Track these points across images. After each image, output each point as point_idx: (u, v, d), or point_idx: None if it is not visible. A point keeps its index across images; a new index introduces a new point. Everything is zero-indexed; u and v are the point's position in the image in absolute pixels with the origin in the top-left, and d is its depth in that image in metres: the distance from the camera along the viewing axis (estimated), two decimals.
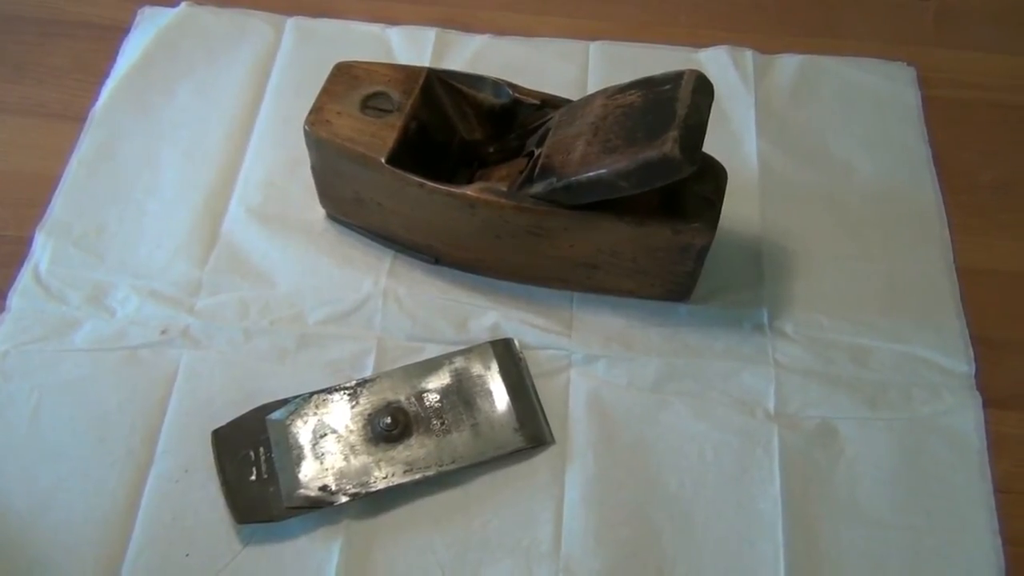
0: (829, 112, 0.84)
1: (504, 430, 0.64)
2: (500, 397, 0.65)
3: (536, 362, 0.68)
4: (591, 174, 0.60)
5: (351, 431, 0.63)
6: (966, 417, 0.66)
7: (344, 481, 0.61)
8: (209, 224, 0.74)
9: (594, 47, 0.88)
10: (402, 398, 0.65)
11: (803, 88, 0.85)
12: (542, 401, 0.66)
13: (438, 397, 0.65)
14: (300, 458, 0.62)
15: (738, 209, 0.74)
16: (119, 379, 0.66)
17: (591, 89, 0.81)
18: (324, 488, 0.60)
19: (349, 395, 0.65)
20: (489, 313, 0.70)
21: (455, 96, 0.71)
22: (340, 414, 0.64)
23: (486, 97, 0.71)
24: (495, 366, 0.67)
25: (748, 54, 0.87)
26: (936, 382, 0.68)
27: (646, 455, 0.64)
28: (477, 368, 0.67)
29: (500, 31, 0.89)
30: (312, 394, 0.65)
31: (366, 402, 0.64)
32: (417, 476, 0.61)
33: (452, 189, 0.64)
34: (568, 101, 0.68)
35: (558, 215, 0.64)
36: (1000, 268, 0.75)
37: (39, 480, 0.62)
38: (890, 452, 0.65)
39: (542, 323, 0.70)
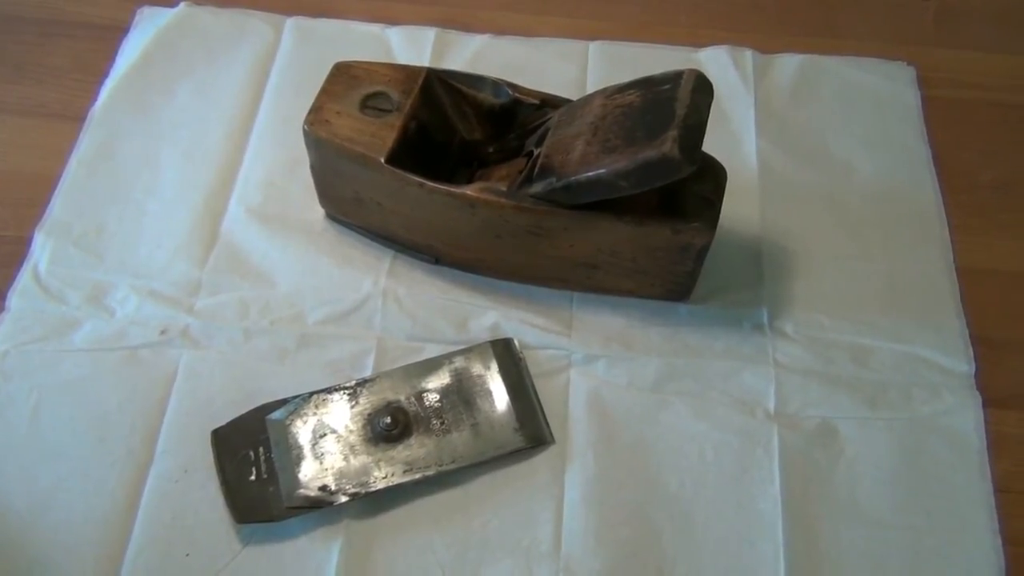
0: (829, 112, 0.84)
1: (504, 430, 0.64)
2: (500, 397, 0.65)
3: (536, 362, 0.68)
4: (591, 174, 0.60)
5: (351, 431, 0.63)
6: (966, 417, 0.66)
7: (344, 481, 0.61)
8: (209, 224, 0.74)
9: (594, 47, 0.88)
10: (402, 398, 0.65)
11: (803, 88, 0.85)
12: (542, 401, 0.66)
13: (438, 397, 0.65)
14: (300, 458, 0.62)
15: (738, 209, 0.74)
16: (119, 379, 0.66)
17: (591, 89, 0.81)
18: (324, 488, 0.60)
19: (349, 395, 0.65)
20: (489, 313, 0.70)
21: (455, 96, 0.71)
22: (340, 414, 0.64)
23: (486, 97, 0.71)
24: (495, 366, 0.67)
25: (748, 54, 0.87)
26: (936, 382, 0.68)
27: (646, 455, 0.64)
28: (477, 368, 0.67)
29: (500, 31, 0.89)
30: (312, 394, 0.65)
31: (366, 402, 0.64)
32: (417, 476, 0.61)
33: (452, 189, 0.64)
34: (568, 101, 0.68)
35: (558, 215, 0.64)
36: (1000, 268, 0.75)
37: (39, 480, 0.62)
38: (890, 452, 0.65)
39: (542, 323, 0.70)
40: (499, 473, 0.63)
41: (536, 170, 0.64)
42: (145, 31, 0.87)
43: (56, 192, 0.76)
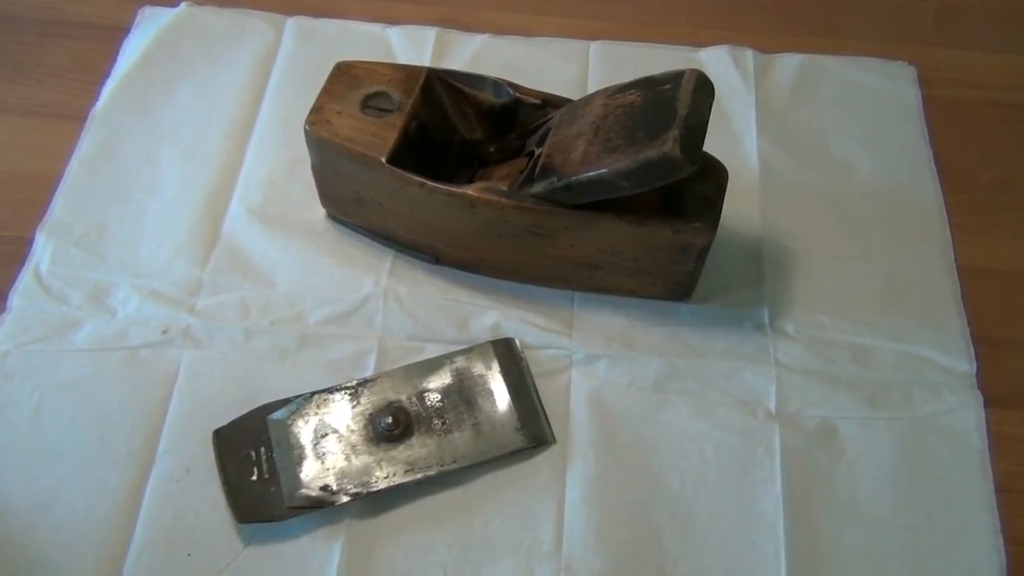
0: (830, 112, 0.84)
1: (505, 430, 0.64)
2: (501, 397, 0.65)
3: (537, 362, 0.68)
4: (592, 174, 0.60)
5: (352, 431, 0.63)
6: (967, 416, 0.66)
7: (345, 481, 0.61)
8: (210, 224, 0.74)
9: (594, 47, 0.88)
10: (403, 398, 0.65)
11: (803, 88, 0.85)
12: (543, 401, 0.66)
13: (439, 397, 0.65)
14: (301, 458, 0.62)
15: (739, 209, 0.74)
16: (120, 379, 0.66)
17: (591, 89, 0.81)
18: (325, 488, 0.60)
19: (350, 395, 0.65)
20: (490, 313, 0.70)
21: (455, 96, 0.71)
22: (341, 414, 0.64)
23: (486, 97, 0.71)
24: (496, 366, 0.67)
25: (748, 54, 0.87)
26: (937, 381, 0.68)
27: (647, 455, 0.64)
28: (478, 368, 0.67)
29: (500, 31, 0.89)
30: (313, 394, 0.65)
31: (367, 402, 0.64)
32: (418, 476, 0.61)
33: (453, 189, 0.64)
34: (568, 101, 0.68)
35: (559, 215, 0.64)
36: (1001, 267, 0.75)
37: (40, 480, 0.62)
38: (891, 452, 0.65)
39: (543, 323, 0.70)
40: (500, 473, 0.63)
41: (537, 170, 0.64)
42: (146, 31, 0.87)
43: (57, 192, 0.76)
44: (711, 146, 0.62)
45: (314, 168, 0.71)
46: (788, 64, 0.87)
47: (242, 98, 0.82)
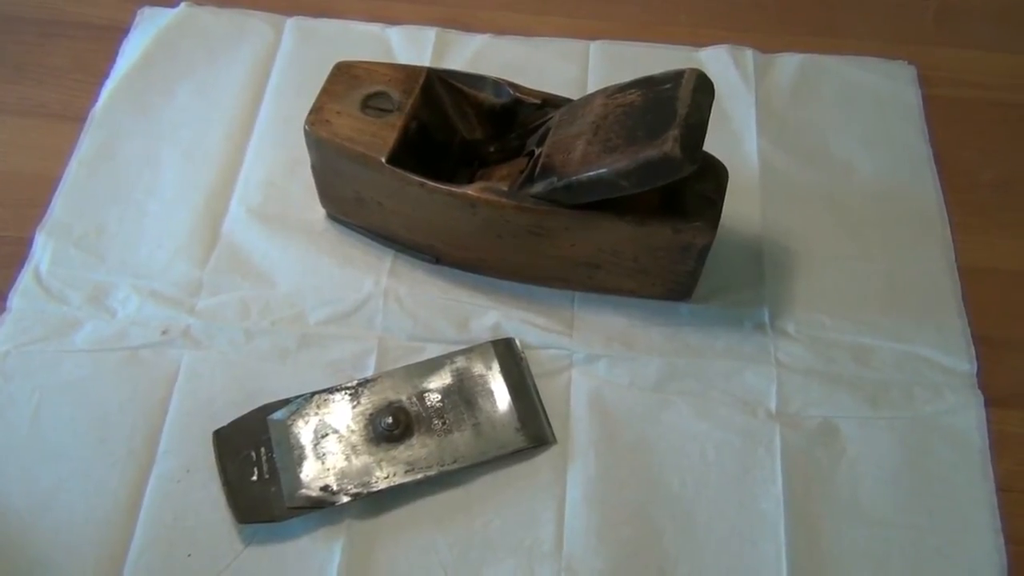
0: (830, 111, 0.84)
1: (505, 430, 0.64)
2: (501, 397, 0.65)
3: (537, 362, 0.68)
4: (592, 173, 0.60)
5: (352, 431, 0.63)
6: (968, 416, 0.66)
7: (346, 481, 0.61)
8: (209, 224, 0.74)
9: (594, 46, 0.88)
10: (403, 398, 0.65)
11: (804, 87, 0.85)
12: (543, 401, 0.66)
13: (439, 397, 0.65)
14: (301, 458, 0.62)
15: (739, 208, 0.74)
16: (120, 379, 0.66)
17: (591, 88, 0.81)
18: (326, 488, 0.60)
19: (350, 395, 0.65)
20: (490, 313, 0.70)
21: (455, 96, 0.71)
22: (341, 414, 0.64)
23: (486, 97, 0.71)
24: (496, 366, 0.67)
25: (748, 53, 0.87)
26: (938, 381, 0.68)
27: (648, 455, 0.64)
28: (478, 368, 0.67)
29: (500, 31, 0.89)
30: (313, 394, 0.65)
31: (367, 402, 0.64)
32: (419, 476, 0.61)
33: (453, 189, 0.64)
34: (568, 100, 0.68)
35: (559, 214, 0.64)
36: (1001, 267, 0.75)
37: (40, 480, 0.62)
38: (892, 451, 0.65)
39: (543, 323, 0.70)
40: (501, 473, 0.63)
41: (537, 170, 0.64)
42: (146, 31, 0.87)
43: (57, 193, 0.76)
44: (711, 146, 0.62)
45: (314, 168, 0.71)
46: (788, 64, 0.87)
47: (242, 98, 0.82)
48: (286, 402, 0.64)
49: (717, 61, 0.86)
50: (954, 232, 0.76)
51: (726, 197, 0.65)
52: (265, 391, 0.65)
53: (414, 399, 0.65)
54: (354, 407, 0.64)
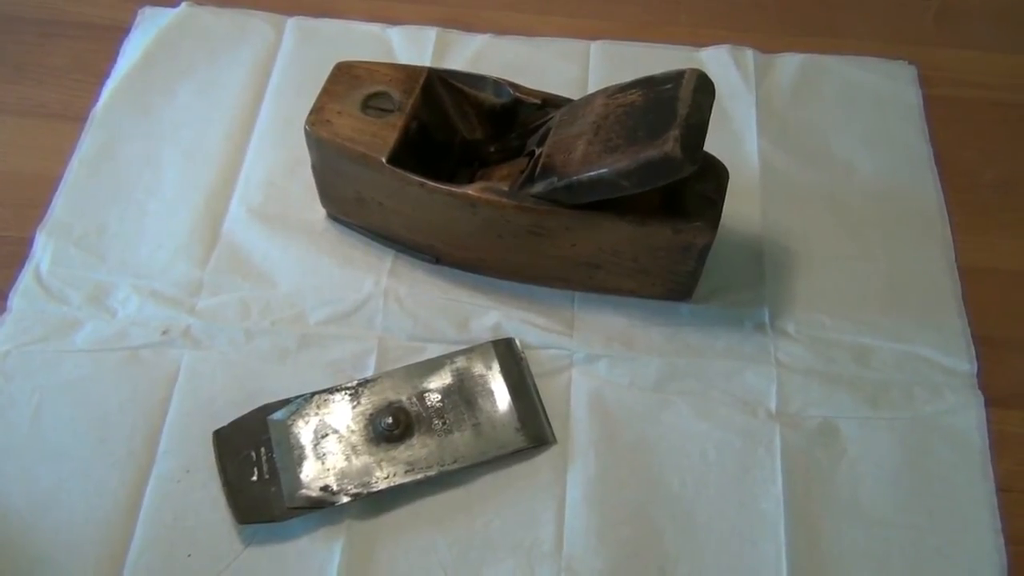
0: (830, 111, 0.84)
1: (506, 430, 0.64)
2: (501, 397, 0.65)
3: (537, 362, 0.68)
4: (592, 173, 0.60)
5: (352, 431, 0.63)
6: (968, 416, 0.66)
7: (346, 481, 0.61)
8: (210, 224, 0.74)
9: (595, 47, 0.87)
10: (403, 398, 0.65)
11: (804, 87, 0.85)
12: (544, 401, 0.66)
13: (439, 397, 0.65)
14: (302, 458, 0.62)
15: (739, 208, 0.74)
16: (120, 379, 0.66)
17: (592, 88, 0.81)
18: (326, 488, 0.60)
19: (350, 395, 0.65)
20: (490, 313, 0.70)
21: (456, 96, 0.71)
22: (341, 414, 0.64)
23: (487, 97, 0.71)
24: (496, 366, 0.67)
25: (749, 53, 0.87)
26: (938, 381, 0.68)
27: (648, 455, 0.64)
28: (478, 368, 0.67)
29: (501, 31, 0.89)
30: (313, 394, 0.65)
31: (367, 402, 0.64)
32: (419, 476, 0.61)
33: (453, 189, 0.64)
34: (569, 100, 0.68)
35: (559, 214, 0.64)
36: (1001, 267, 0.75)
37: (40, 480, 0.62)
38: (892, 451, 0.65)
39: (543, 323, 0.70)
40: (501, 473, 0.63)
41: (538, 170, 0.63)
42: (146, 31, 0.87)
43: (57, 193, 0.76)
44: (712, 146, 0.62)
45: (314, 168, 0.71)
46: (789, 64, 0.87)
47: (242, 98, 0.82)
48: (286, 402, 0.64)
49: (717, 61, 0.86)
50: (954, 232, 0.76)
51: (726, 197, 0.65)
52: (265, 391, 0.65)
53: (414, 399, 0.65)
54: (354, 407, 0.64)
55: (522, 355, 0.68)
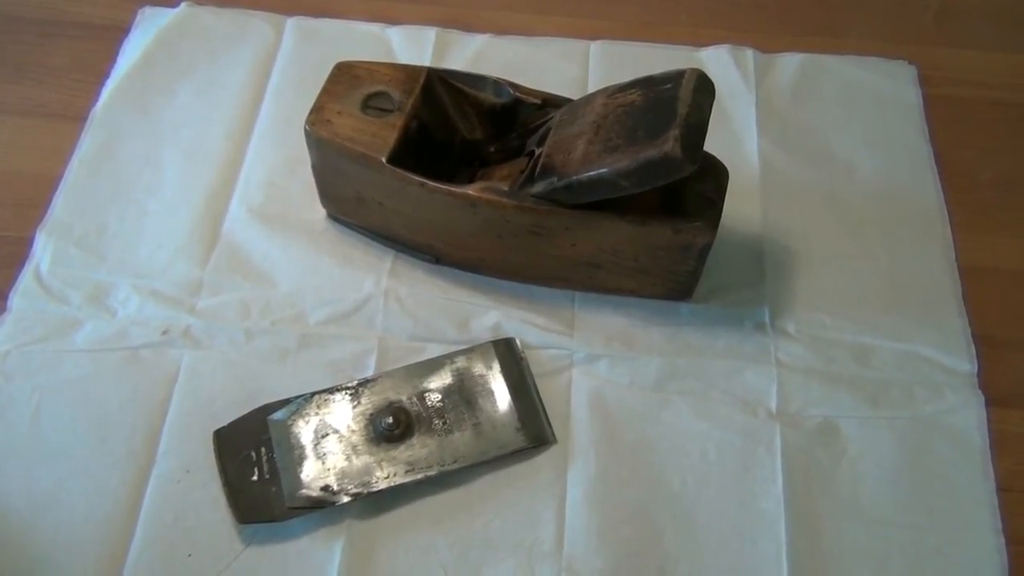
0: (830, 111, 0.84)
1: (506, 429, 0.64)
2: (502, 397, 0.65)
3: (538, 361, 0.68)
4: (592, 173, 0.60)
5: (353, 431, 0.63)
6: (968, 416, 0.66)
7: (346, 481, 0.61)
8: (210, 224, 0.74)
9: (595, 46, 0.87)
10: (404, 398, 0.65)
11: (804, 87, 0.85)
12: (544, 400, 0.66)
13: (440, 397, 0.65)
14: (302, 458, 0.62)
15: (739, 208, 0.74)
16: (120, 379, 0.66)
17: (592, 88, 0.81)
18: (326, 488, 0.60)
19: (351, 395, 0.65)
20: (490, 313, 0.70)
21: (456, 96, 0.71)
22: (342, 414, 0.64)
23: (487, 96, 0.71)
24: (497, 366, 0.67)
25: (749, 53, 0.87)
26: (938, 381, 0.68)
27: (648, 454, 0.64)
28: (479, 368, 0.67)
29: (501, 30, 0.89)
30: (314, 394, 0.65)
31: (368, 402, 0.64)
32: (419, 476, 0.61)
33: (453, 188, 0.64)
34: (569, 100, 0.68)
35: (559, 214, 0.64)
36: (1002, 266, 0.75)
37: (40, 480, 0.62)
38: (892, 451, 0.65)
39: (544, 322, 0.70)
40: (501, 473, 0.63)
41: (538, 169, 0.63)
42: (146, 31, 0.87)
43: (57, 192, 0.76)
44: (712, 145, 0.62)
45: (314, 168, 0.71)
46: (788, 63, 0.87)
47: (242, 98, 0.82)
48: (286, 402, 0.64)
49: (717, 61, 0.86)
50: (954, 231, 0.76)
51: (726, 197, 0.65)
52: (265, 391, 0.65)
53: (414, 399, 0.65)
54: (354, 407, 0.64)
55: (522, 355, 0.68)
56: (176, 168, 0.78)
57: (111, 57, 0.85)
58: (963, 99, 0.86)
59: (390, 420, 0.63)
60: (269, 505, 0.60)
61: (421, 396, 0.65)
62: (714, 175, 0.65)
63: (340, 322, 0.69)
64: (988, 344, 0.70)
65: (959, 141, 0.82)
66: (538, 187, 0.63)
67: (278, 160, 0.78)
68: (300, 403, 0.64)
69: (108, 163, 0.78)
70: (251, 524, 0.60)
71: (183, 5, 0.89)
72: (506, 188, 0.64)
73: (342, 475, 0.61)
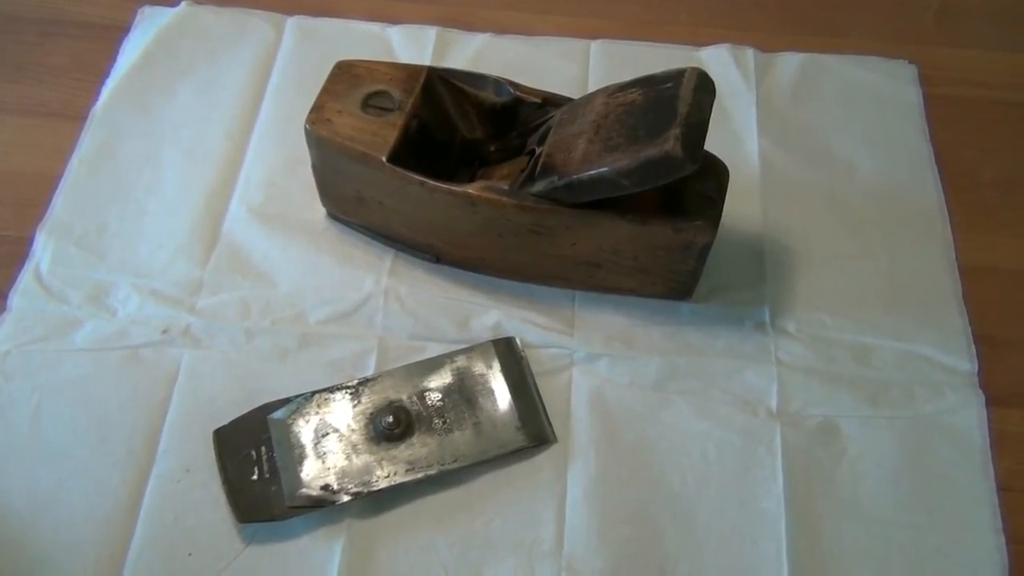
0: (830, 110, 0.84)
1: (506, 429, 0.64)
2: (502, 396, 0.65)
3: (538, 361, 0.68)
4: (592, 172, 0.60)
5: (353, 430, 0.63)
6: (968, 415, 0.66)
7: (346, 480, 0.61)
8: (210, 223, 0.74)
9: (595, 46, 0.87)
10: (404, 397, 0.65)
11: (804, 86, 0.85)
12: (544, 400, 0.66)
13: (440, 396, 0.65)
14: (302, 457, 0.62)
15: (740, 207, 0.74)
16: (120, 379, 0.66)
17: (592, 87, 0.81)
18: (326, 487, 0.60)
19: (351, 394, 0.65)
20: (491, 312, 0.70)
21: (456, 95, 0.71)
22: (342, 413, 0.64)
23: (487, 96, 0.71)
24: (497, 365, 0.67)
25: (749, 52, 0.87)
26: (938, 380, 0.68)
27: (648, 454, 0.64)
28: (479, 367, 0.67)
29: (501, 30, 0.89)
30: (314, 393, 0.65)
31: (368, 401, 0.64)
32: (419, 475, 0.61)
33: (453, 188, 0.64)
34: (569, 100, 0.68)
35: (559, 213, 0.64)
36: (1002, 266, 0.75)
37: (40, 480, 0.61)
38: (892, 450, 0.65)
39: (544, 322, 0.70)
40: (501, 472, 0.63)
41: (538, 169, 0.63)
42: (146, 31, 0.87)
43: (57, 192, 0.76)
44: (712, 145, 0.62)
45: (314, 167, 0.71)
46: (789, 63, 0.87)
47: (242, 98, 0.82)
48: (286, 401, 0.64)
49: (718, 60, 0.86)
50: (955, 231, 0.76)
51: (727, 196, 0.65)
52: (265, 390, 0.65)
53: (415, 398, 0.65)
54: (355, 406, 0.64)
55: (522, 354, 0.68)
56: (176, 168, 0.78)
57: (111, 56, 0.85)
58: (963, 99, 0.86)
59: (390, 419, 0.63)
60: (269, 504, 0.60)
61: (421, 395, 0.65)
62: (714, 174, 0.65)
63: (340, 321, 0.69)
64: (988, 344, 0.70)
65: (959, 141, 0.82)
66: (538, 186, 0.63)
67: (278, 160, 0.78)
68: (300, 402, 0.64)
69: (108, 162, 0.78)
70: (251, 523, 0.60)
71: (183, 4, 0.89)
72: (506, 187, 0.64)
73: (342, 474, 0.61)
